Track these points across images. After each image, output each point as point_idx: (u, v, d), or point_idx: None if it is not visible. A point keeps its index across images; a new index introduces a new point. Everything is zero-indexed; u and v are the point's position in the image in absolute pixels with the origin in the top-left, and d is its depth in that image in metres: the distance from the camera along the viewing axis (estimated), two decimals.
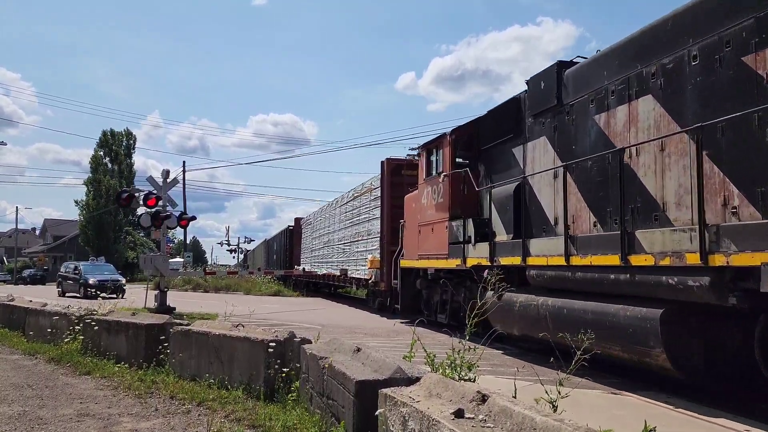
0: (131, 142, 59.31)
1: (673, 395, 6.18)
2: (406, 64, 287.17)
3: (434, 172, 12.13)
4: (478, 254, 9.89)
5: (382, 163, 16.67)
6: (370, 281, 17.19)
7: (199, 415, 5.37)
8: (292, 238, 32.63)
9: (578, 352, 4.14)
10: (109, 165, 57.16)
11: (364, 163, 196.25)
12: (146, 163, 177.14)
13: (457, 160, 11.62)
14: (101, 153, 57.09)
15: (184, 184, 44.33)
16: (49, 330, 9.76)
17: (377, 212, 17.02)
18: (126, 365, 7.41)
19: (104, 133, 57.40)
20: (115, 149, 57.65)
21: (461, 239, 10.48)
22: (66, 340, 8.90)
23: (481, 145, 10.91)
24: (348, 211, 20.85)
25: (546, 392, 3.91)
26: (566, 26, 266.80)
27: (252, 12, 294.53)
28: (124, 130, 59.07)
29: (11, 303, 12.42)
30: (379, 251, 16.44)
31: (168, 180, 15.90)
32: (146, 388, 6.40)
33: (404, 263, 13.94)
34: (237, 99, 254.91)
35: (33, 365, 8.17)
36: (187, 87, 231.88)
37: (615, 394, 6.37)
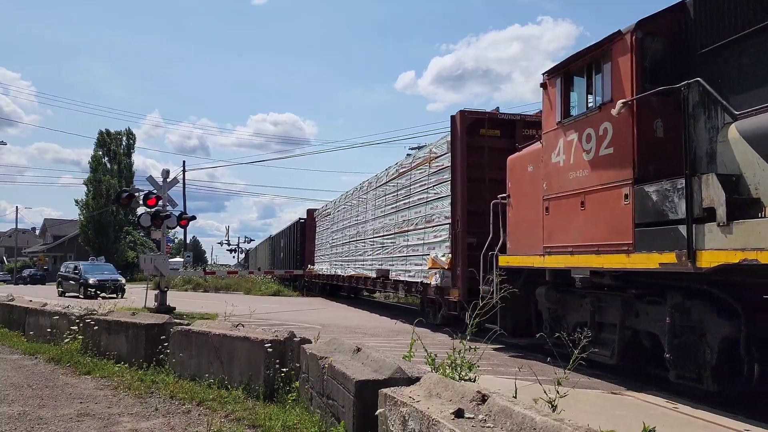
0: (131, 141, 59.22)
1: (673, 395, 6.19)
2: (405, 64, 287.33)
3: (590, 105, 7.42)
4: (737, 243, 5.19)
5: (454, 117, 11.80)
6: (432, 286, 12.16)
7: (199, 414, 5.37)
8: (303, 233, 28.44)
9: (575, 351, 4.15)
10: (108, 165, 57.13)
11: (364, 163, 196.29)
12: (146, 163, 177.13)
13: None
14: (100, 153, 57.07)
15: (184, 183, 44.40)
16: (49, 330, 9.75)
17: (443, 189, 12.18)
18: (126, 365, 7.41)
19: (101, 133, 57.24)
20: (114, 149, 57.55)
21: (677, 215, 5.87)
22: (66, 340, 8.89)
23: (700, 47, 6.37)
24: (389, 192, 15.90)
25: (545, 392, 3.92)
26: (566, 25, 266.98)
27: (252, 12, 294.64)
28: (124, 130, 58.96)
29: (11, 303, 12.41)
30: (448, 244, 11.75)
31: (168, 180, 15.91)
32: (146, 387, 6.40)
33: (509, 261, 9.22)
34: (237, 99, 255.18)
35: (33, 365, 8.16)
36: (187, 87, 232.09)
37: (615, 394, 6.37)
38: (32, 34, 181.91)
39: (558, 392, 3.92)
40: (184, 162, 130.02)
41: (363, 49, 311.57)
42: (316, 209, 27.86)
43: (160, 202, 15.26)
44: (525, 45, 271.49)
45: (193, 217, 17.92)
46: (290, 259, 31.04)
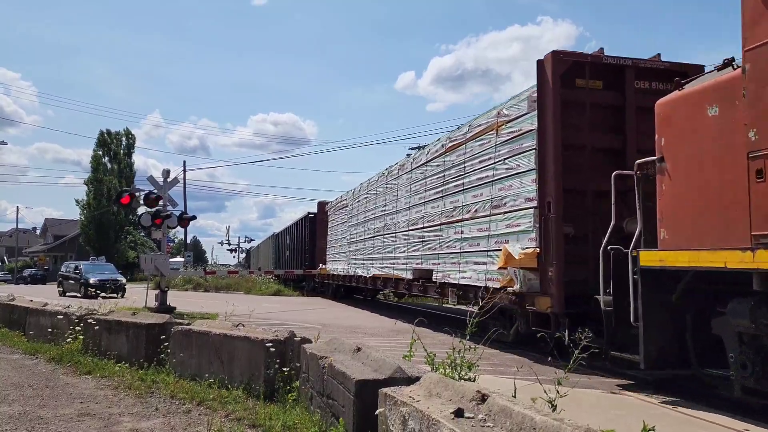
0: (131, 141, 59.32)
1: (673, 395, 6.19)
2: (405, 64, 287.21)
3: None
4: None
5: (542, 63, 8.55)
6: (509, 292, 8.87)
7: (199, 414, 5.38)
8: (313, 229, 26.18)
9: (576, 351, 4.15)
10: (109, 165, 57.20)
11: (364, 163, 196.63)
12: (146, 163, 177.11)
13: None
14: (101, 153, 57.16)
15: (184, 183, 44.46)
16: (49, 330, 9.76)
17: (522, 162, 9.07)
18: (126, 365, 7.41)
19: (101, 133, 57.35)
20: (115, 149, 57.67)
21: None
22: (67, 340, 8.90)
23: None
24: (432, 174, 12.79)
25: (545, 392, 3.92)
26: (566, 26, 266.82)
27: (252, 12, 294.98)
28: (124, 130, 59.06)
29: (12, 303, 12.42)
30: (533, 235, 8.59)
31: (168, 180, 15.92)
32: (147, 387, 6.41)
33: (664, 259, 6.05)
34: (237, 99, 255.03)
35: (34, 365, 8.17)
36: (187, 87, 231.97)
37: (615, 394, 6.38)
38: (32, 34, 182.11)
39: (558, 392, 3.92)
40: (184, 162, 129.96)
41: (363, 49, 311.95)
42: (329, 202, 24.70)
43: (161, 202, 15.27)
44: (525, 45, 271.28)
45: (194, 217, 17.96)
46: (297, 257, 28.76)
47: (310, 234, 26.75)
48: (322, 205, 25.55)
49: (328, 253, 23.60)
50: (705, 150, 5.80)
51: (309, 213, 27.47)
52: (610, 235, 7.02)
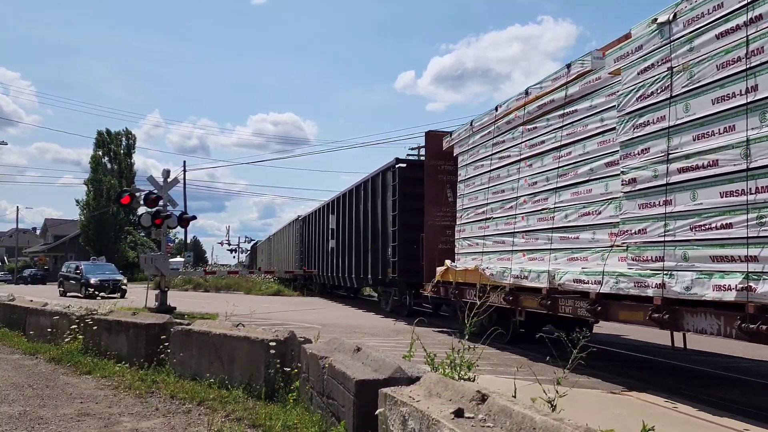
0: (131, 141, 59.30)
1: (673, 395, 6.20)
2: (405, 64, 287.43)
3: None
4: None
5: None
6: None
7: (199, 414, 5.38)
8: (412, 191, 14.07)
9: (575, 351, 4.15)
10: (109, 165, 57.18)
11: (364, 163, 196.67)
12: (146, 163, 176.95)
13: None
14: (100, 153, 57.13)
15: (184, 183, 44.47)
16: (49, 330, 9.76)
17: None
18: (126, 365, 7.41)
19: (100, 133, 57.26)
20: (114, 149, 57.64)
21: None
22: (66, 340, 8.90)
23: None
24: None
25: (545, 392, 3.92)
26: (566, 25, 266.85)
27: (252, 12, 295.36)
28: (124, 130, 59.05)
29: (12, 303, 12.41)
30: None
31: (168, 180, 15.92)
32: (147, 387, 6.41)
33: None
34: (237, 99, 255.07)
35: (34, 365, 8.17)
36: (187, 87, 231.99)
37: (615, 393, 6.38)
38: (32, 34, 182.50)
39: (557, 392, 3.92)
40: (184, 162, 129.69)
41: (363, 49, 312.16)
42: (452, 132, 12.46)
43: (161, 202, 15.27)
44: (525, 45, 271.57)
45: (194, 217, 17.92)
46: (356, 250, 18.09)
47: (401, 201, 14.79)
48: (435, 140, 12.99)
49: (464, 235, 11.56)
50: None
51: (397, 161, 15.36)
52: None
